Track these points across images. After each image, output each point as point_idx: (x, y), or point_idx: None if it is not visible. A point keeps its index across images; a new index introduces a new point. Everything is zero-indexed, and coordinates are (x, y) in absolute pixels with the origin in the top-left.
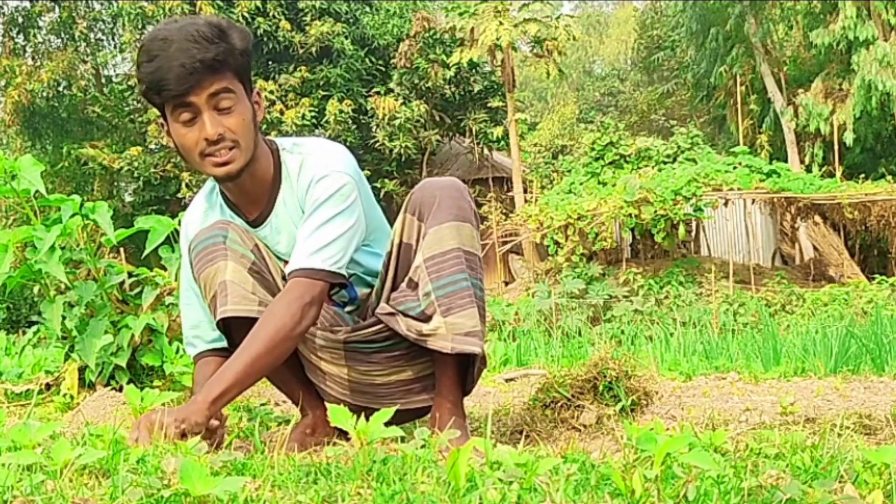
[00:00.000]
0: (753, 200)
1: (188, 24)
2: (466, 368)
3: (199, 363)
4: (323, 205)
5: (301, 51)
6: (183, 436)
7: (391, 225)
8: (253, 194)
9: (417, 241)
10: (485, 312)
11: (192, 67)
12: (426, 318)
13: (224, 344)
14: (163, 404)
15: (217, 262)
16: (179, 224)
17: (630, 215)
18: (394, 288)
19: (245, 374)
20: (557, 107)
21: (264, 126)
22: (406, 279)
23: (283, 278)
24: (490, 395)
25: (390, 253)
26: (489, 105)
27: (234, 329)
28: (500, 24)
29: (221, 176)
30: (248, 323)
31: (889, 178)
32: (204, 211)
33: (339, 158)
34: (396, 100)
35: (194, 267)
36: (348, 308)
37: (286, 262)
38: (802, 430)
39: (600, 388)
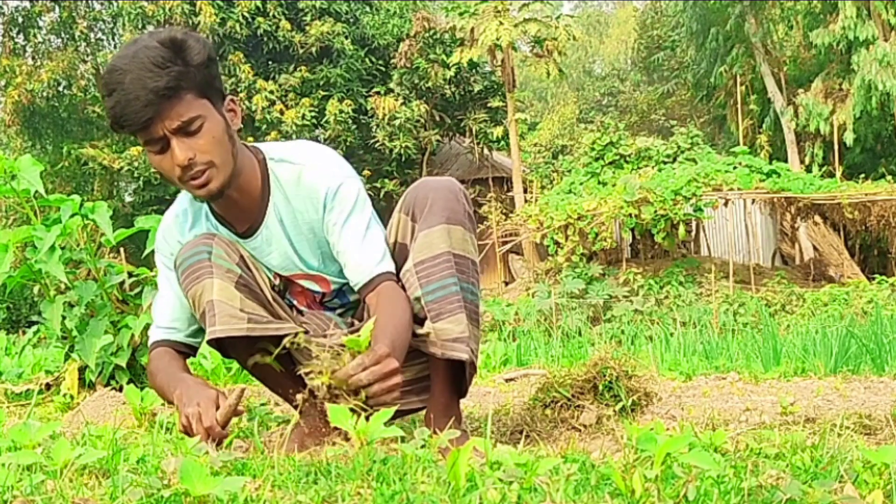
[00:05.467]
0: (753, 200)
1: (142, 50)
2: (462, 371)
3: (162, 350)
4: (352, 214)
5: (301, 51)
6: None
7: (385, 226)
8: (241, 207)
9: (411, 241)
10: (477, 316)
11: (146, 99)
12: (419, 322)
13: (192, 342)
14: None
15: (203, 280)
16: None
17: (630, 215)
18: None
19: (403, 340)
20: (557, 107)
21: (264, 126)
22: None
23: (272, 288)
24: (490, 395)
25: None
26: (489, 105)
27: (227, 346)
28: (500, 24)
29: (204, 196)
30: (239, 339)
31: (889, 178)
32: (186, 218)
33: (338, 163)
34: (396, 100)
35: (181, 284)
36: (339, 311)
37: (276, 275)
38: (802, 430)
39: (600, 388)
